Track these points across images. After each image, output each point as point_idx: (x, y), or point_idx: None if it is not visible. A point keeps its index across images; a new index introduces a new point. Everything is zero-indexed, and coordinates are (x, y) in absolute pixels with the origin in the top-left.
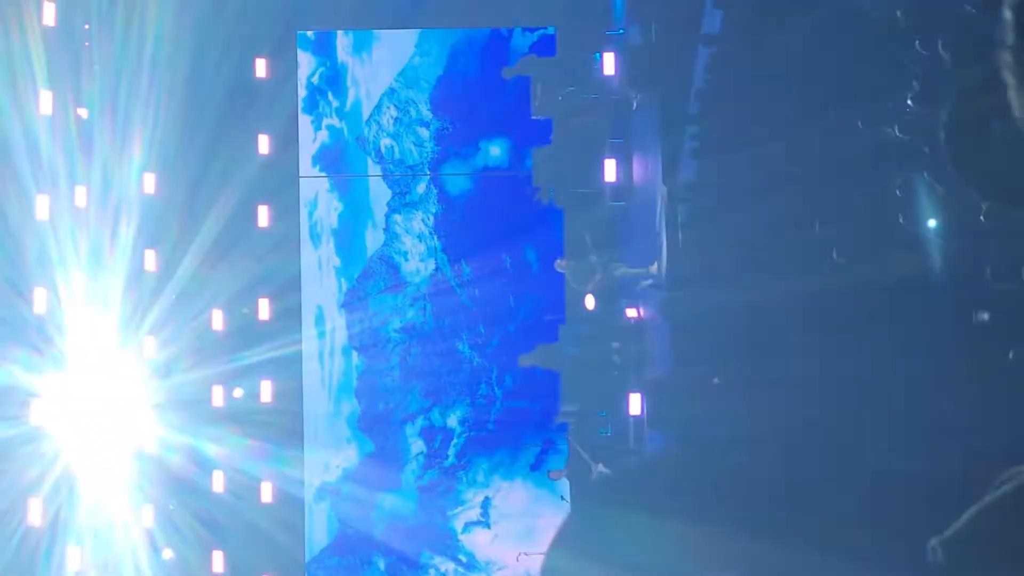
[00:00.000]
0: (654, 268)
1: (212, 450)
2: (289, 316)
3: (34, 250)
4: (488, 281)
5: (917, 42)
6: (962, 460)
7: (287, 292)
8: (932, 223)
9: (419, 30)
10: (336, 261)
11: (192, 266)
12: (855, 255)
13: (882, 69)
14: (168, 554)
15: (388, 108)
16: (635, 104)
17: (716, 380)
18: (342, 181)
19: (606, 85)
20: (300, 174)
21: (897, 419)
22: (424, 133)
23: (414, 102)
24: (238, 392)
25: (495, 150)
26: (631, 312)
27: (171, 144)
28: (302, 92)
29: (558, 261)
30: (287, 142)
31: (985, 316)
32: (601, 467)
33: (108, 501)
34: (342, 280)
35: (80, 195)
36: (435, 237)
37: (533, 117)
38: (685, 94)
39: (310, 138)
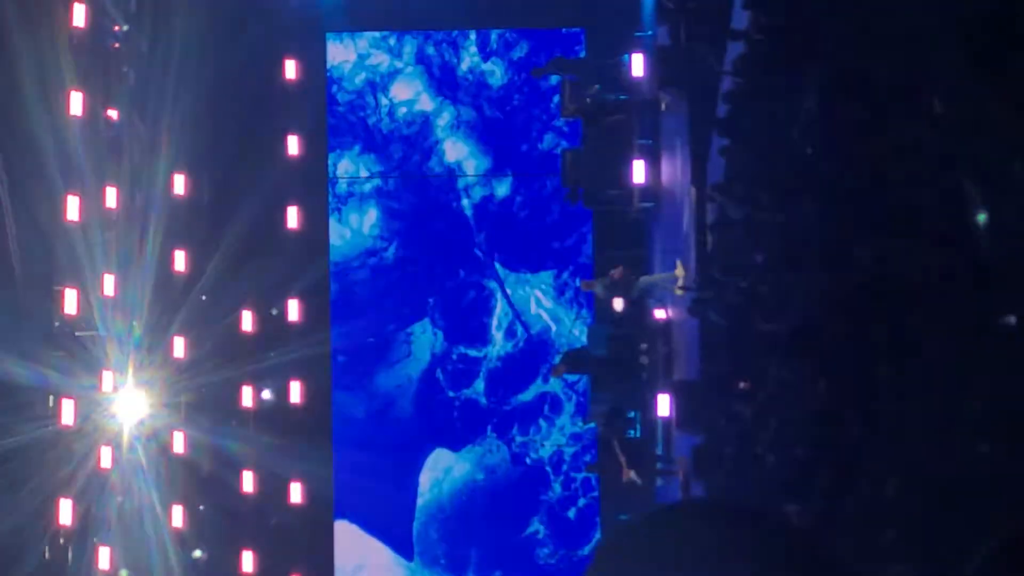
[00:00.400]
0: (679, 271)
1: (241, 450)
2: (318, 316)
3: (64, 251)
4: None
5: (940, 41)
6: (993, 462)
7: (316, 293)
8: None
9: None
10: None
11: (221, 267)
12: (887, 255)
13: (910, 68)
14: (198, 555)
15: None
16: (664, 105)
17: (742, 384)
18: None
19: (635, 86)
20: (330, 175)
21: (932, 419)
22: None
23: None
24: (266, 394)
25: None
26: (659, 313)
27: (200, 145)
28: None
29: (583, 282)
30: (317, 143)
31: (1012, 319)
32: (633, 474)
33: (138, 501)
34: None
35: (111, 196)
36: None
37: (561, 118)
38: (713, 95)
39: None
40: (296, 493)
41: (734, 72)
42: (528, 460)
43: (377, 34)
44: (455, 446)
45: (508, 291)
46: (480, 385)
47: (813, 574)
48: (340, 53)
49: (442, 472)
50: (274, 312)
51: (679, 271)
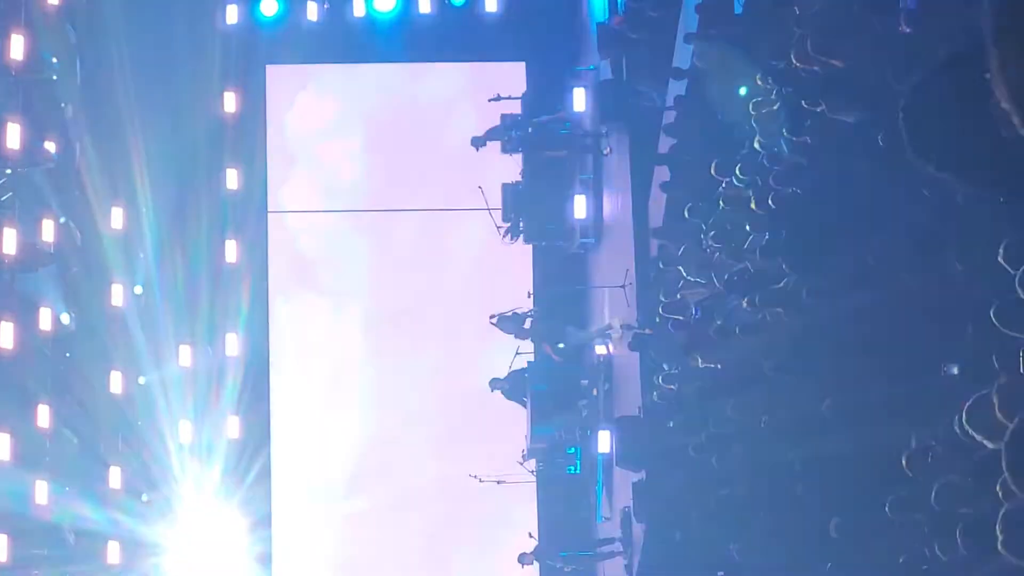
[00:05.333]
0: (615, 321)
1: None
2: (257, 352)
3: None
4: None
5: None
6: (937, 502)
7: (254, 327)
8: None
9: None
10: None
11: (159, 301)
12: (824, 294)
13: (854, 105)
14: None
15: None
16: (608, 150)
17: (671, 423)
18: None
19: (577, 120)
20: (268, 209)
21: (875, 458)
22: None
23: None
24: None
25: None
26: (600, 349)
27: (139, 178)
28: None
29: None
30: (256, 177)
31: (955, 370)
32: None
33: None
34: None
35: (48, 229)
36: None
37: (503, 153)
38: (655, 129)
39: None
40: None
41: (676, 105)
42: None
43: None
44: None
45: None
46: None
47: None
48: None
49: None
50: (210, 350)
51: (615, 321)
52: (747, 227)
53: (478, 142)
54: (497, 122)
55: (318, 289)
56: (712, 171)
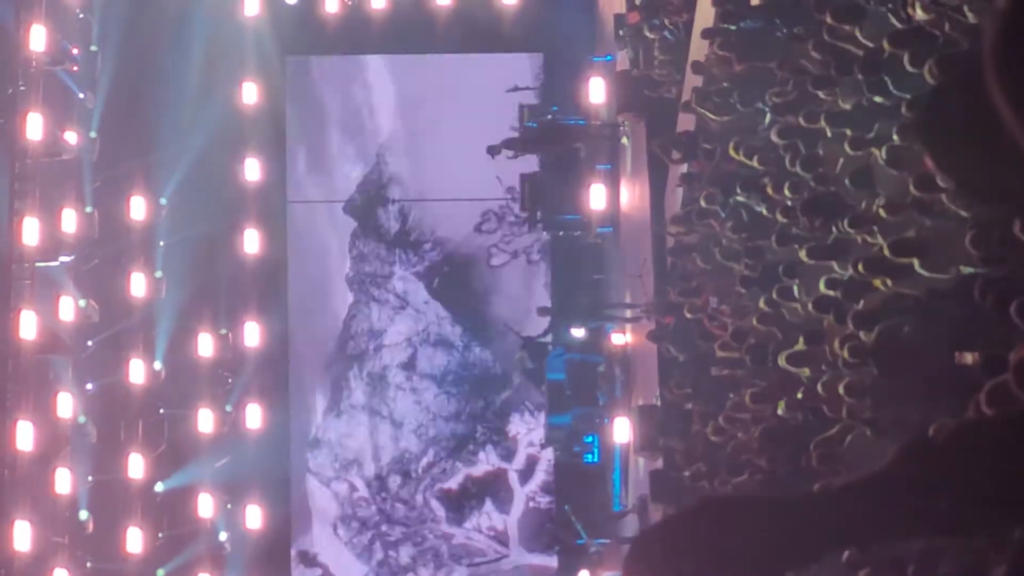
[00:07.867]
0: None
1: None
2: (277, 340)
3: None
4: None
5: (905, 71)
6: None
7: (275, 316)
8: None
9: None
10: None
11: (181, 290)
12: (846, 285)
13: (866, 94)
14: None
15: None
16: (624, 137)
17: (688, 405)
18: None
19: (594, 111)
20: (288, 199)
21: (888, 444)
22: None
23: None
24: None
25: None
26: (618, 339)
27: (159, 167)
28: None
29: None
30: (276, 167)
31: (968, 359)
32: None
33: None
34: None
35: (68, 219)
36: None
37: (520, 146)
38: (672, 119)
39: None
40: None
41: (693, 95)
42: None
43: None
44: None
45: None
46: None
47: None
48: None
49: None
50: (223, 332)
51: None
52: (764, 215)
53: (494, 150)
54: (514, 111)
55: None
56: (732, 150)
